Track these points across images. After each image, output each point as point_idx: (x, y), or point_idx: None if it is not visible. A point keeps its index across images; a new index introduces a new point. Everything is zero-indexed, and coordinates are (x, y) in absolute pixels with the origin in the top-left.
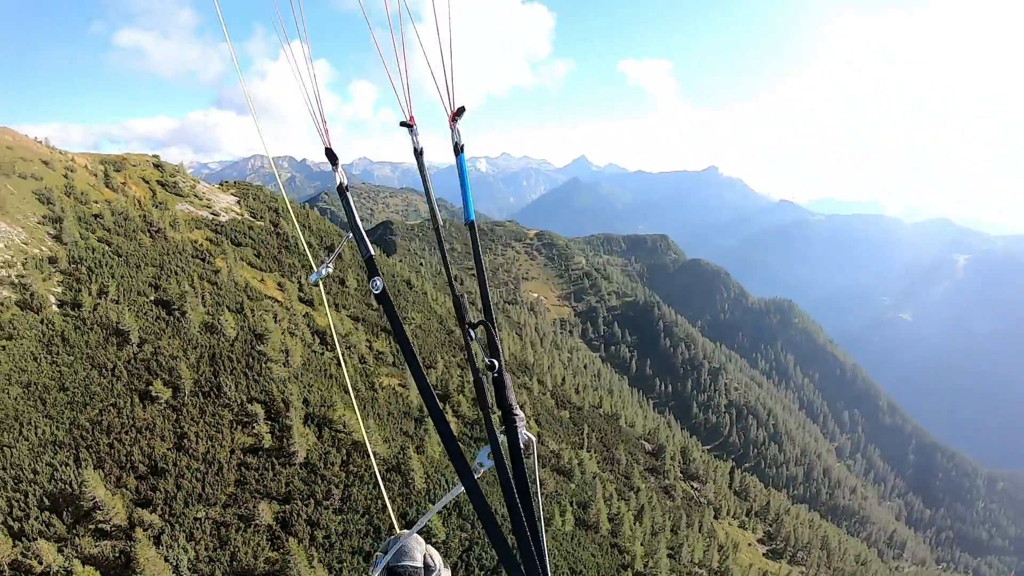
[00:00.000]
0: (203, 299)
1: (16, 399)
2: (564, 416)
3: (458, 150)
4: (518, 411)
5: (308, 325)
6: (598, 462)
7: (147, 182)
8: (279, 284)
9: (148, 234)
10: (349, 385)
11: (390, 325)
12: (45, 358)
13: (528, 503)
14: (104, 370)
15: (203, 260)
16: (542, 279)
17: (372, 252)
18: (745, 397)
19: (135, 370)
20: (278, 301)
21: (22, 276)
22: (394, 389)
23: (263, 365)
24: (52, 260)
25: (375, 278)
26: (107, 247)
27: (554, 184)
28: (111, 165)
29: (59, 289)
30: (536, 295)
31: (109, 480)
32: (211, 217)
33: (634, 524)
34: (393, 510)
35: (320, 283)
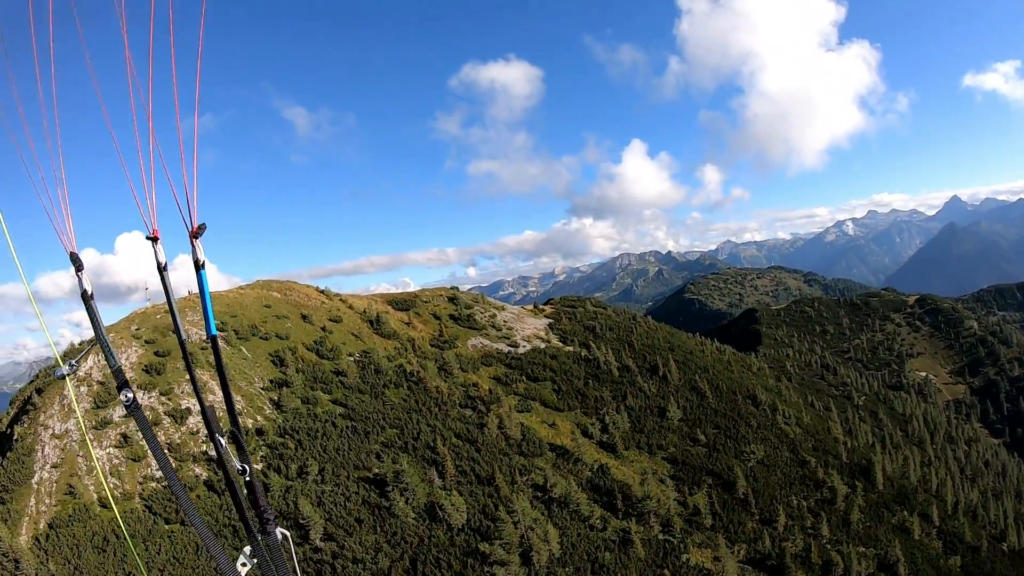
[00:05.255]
0: (440, 470)
1: None
2: (954, 564)
3: (199, 266)
4: (269, 511)
5: (595, 485)
6: None
7: (438, 318)
8: (577, 425)
9: (405, 385)
10: None
11: (149, 449)
12: (205, 553)
13: None
14: None
15: (472, 410)
16: (929, 353)
17: (119, 363)
18: None
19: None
20: (564, 452)
21: (223, 451)
22: (702, 568)
23: (483, 569)
24: (260, 432)
25: (124, 390)
26: (341, 408)
27: (929, 235)
28: (397, 305)
29: (260, 465)
30: (924, 374)
31: None
32: (508, 350)
33: None
34: None
35: (68, 379)
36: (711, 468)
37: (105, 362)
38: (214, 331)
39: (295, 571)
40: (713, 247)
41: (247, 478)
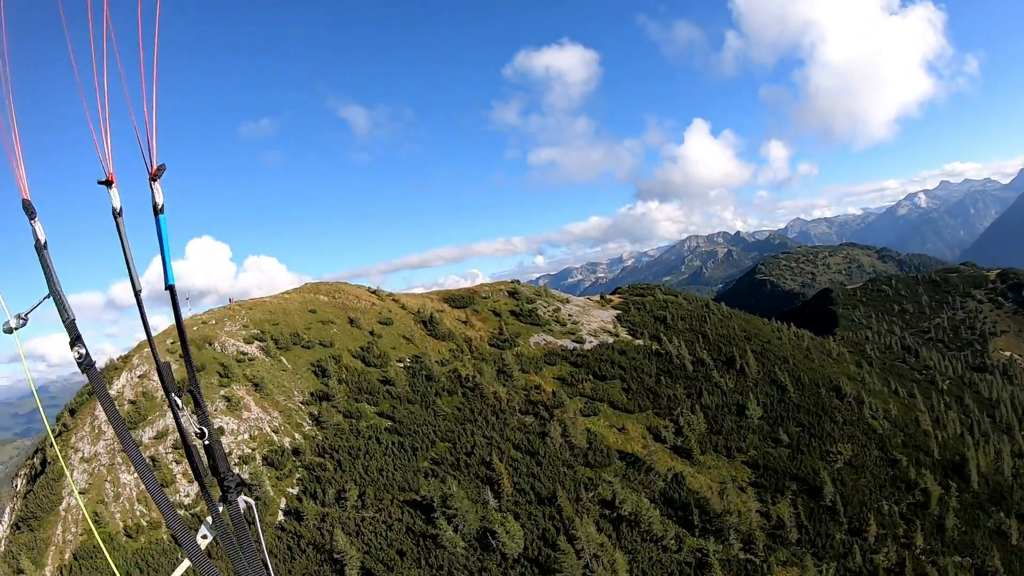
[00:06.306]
0: (496, 489)
1: None
2: None
3: (157, 211)
4: (231, 477)
5: (668, 498)
6: None
7: (498, 315)
8: (648, 429)
9: (459, 391)
10: None
11: (104, 412)
12: None
13: (257, 568)
14: None
15: (534, 416)
16: (1013, 332)
17: (73, 315)
18: None
19: None
20: (635, 460)
21: (255, 474)
22: None
23: None
24: (296, 452)
25: (77, 345)
26: (387, 422)
27: (1005, 204)
28: (454, 302)
29: (296, 489)
30: (1008, 353)
31: None
32: (573, 346)
33: None
34: None
35: (14, 332)
36: (795, 472)
37: (139, 380)
38: (172, 280)
39: (260, 542)
40: (782, 225)
41: (206, 441)
